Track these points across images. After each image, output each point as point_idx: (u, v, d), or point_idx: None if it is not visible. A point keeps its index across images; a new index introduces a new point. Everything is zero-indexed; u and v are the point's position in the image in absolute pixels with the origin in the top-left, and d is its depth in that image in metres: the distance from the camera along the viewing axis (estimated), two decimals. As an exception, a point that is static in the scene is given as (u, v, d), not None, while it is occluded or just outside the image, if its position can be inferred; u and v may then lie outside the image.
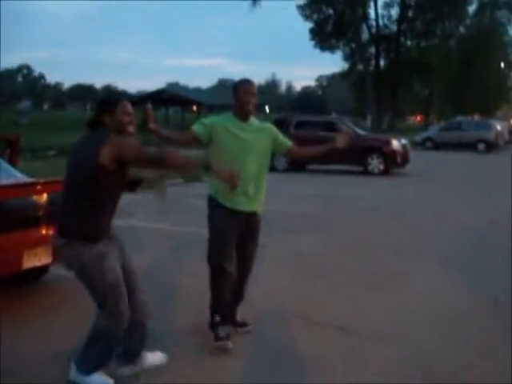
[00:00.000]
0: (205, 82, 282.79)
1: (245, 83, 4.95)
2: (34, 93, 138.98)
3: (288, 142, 5.18)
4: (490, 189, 16.40)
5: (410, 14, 55.02)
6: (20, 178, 6.48)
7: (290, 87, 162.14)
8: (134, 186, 4.34)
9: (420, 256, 8.26)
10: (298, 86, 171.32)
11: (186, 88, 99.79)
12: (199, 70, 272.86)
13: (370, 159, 20.41)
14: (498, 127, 36.86)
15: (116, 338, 4.01)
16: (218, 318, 4.93)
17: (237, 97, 4.90)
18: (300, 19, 56.27)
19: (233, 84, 5.14)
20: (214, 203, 4.90)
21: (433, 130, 40.56)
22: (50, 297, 6.30)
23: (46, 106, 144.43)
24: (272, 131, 5.10)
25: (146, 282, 4.33)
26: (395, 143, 20.61)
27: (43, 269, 6.37)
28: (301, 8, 54.42)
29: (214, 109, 49.16)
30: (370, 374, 4.52)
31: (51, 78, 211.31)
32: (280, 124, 17.27)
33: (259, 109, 47.03)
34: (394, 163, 20.54)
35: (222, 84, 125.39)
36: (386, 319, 5.68)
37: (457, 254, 8.49)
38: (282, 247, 8.55)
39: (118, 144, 3.74)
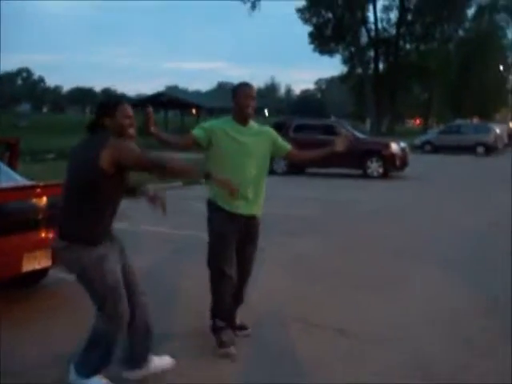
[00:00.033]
0: (204, 85, 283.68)
1: (244, 87, 4.95)
2: (34, 96, 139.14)
3: (287, 146, 5.19)
4: (489, 192, 16.41)
5: (409, 17, 55.05)
6: (19, 181, 6.49)
7: (289, 90, 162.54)
8: (130, 192, 4.33)
9: (419, 259, 8.27)
10: (297, 90, 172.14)
11: (185, 91, 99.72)
12: (198, 74, 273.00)
13: (369, 162, 20.42)
14: (497, 130, 36.86)
15: (115, 341, 4.01)
16: (220, 323, 4.94)
17: (236, 100, 4.90)
18: (299, 23, 56.18)
19: (232, 87, 5.14)
20: (213, 206, 4.91)
21: (432, 134, 40.60)
22: (50, 300, 6.30)
23: (45, 109, 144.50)
24: (271, 135, 5.11)
25: (145, 284, 4.34)
26: (394, 146, 20.62)
27: (43, 272, 6.38)
28: (300, 11, 54.53)
29: (213, 112, 49.14)
30: (369, 374, 4.54)
31: (51, 81, 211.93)
32: (279, 127, 17.29)
33: (258, 112, 47.05)
34: (393, 166, 20.56)
35: (222, 87, 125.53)
36: (386, 322, 5.68)
37: (456, 256, 8.50)
38: (281, 250, 8.56)
39: (118, 148, 3.73)
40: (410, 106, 76.23)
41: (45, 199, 5.95)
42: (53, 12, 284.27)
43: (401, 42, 55.21)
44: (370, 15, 55.09)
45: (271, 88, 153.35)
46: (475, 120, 60.18)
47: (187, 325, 5.52)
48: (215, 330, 4.96)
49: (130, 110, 3.97)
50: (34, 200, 5.98)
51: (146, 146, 3.88)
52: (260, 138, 4.98)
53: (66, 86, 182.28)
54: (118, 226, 4.16)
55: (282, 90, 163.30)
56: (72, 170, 3.91)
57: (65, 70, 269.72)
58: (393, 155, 20.40)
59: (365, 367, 4.69)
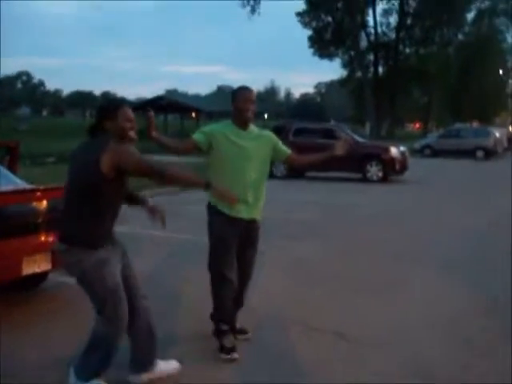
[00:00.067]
0: (204, 88, 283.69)
1: (243, 90, 4.96)
2: (34, 99, 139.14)
3: (287, 150, 5.20)
4: (488, 196, 16.41)
5: (409, 21, 55.13)
6: (20, 184, 6.49)
7: (288, 94, 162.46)
8: (132, 201, 4.33)
9: (419, 262, 8.26)
10: (296, 93, 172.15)
11: (184, 95, 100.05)
12: (198, 77, 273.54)
13: (368, 166, 20.42)
14: (497, 134, 36.85)
15: (115, 344, 4.00)
16: (224, 327, 4.95)
17: (235, 104, 4.91)
18: (299, 27, 56.22)
19: (231, 91, 5.15)
20: (213, 210, 4.91)
21: (431, 138, 40.56)
22: (50, 303, 6.30)
23: (45, 113, 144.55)
24: (271, 139, 5.11)
25: (144, 288, 4.34)
26: (394, 150, 20.62)
27: (42, 275, 6.38)
28: (300, 15, 54.58)
29: (212, 116, 49.24)
30: (369, 375, 4.56)
31: (50, 85, 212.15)
32: (279, 131, 17.32)
33: (258, 116, 47.06)
34: (392, 170, 20.56)
35: (221, 91, 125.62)
36: (385, 325, 5.68)
37: (456, 258, 8.52)
38: (281, 254, 8.56)
39: (118, 152, 3.73)
40: (409, 110, 76.31)
41: (45, 203, 5.96)
42: (53, 16, 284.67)
43: (400, 46, 55.26)
44: (370, 19, 55.29)
45: (271, 92, 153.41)
46: (475, 124, 60.18)
47: (188, 328, 5.52)
48: (218, 333, 4.97)
49: (131, 113, 3.97)
50: (34, 203, 5.99)
51: (146, 149, 3.89)
52: (260, 141, 4.99)
53: (66, 90, 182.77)
54: (118, 229, 4.16)
55: (282, 94, 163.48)
56: (73, 174, 3.91)
57: (65, 73, 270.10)
58: (392, 159, 20.40)
59: (365, 368, 4.71)
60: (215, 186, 4.27)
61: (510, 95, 76.00)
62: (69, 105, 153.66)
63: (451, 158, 33.02)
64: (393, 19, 55.38)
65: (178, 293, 6.63)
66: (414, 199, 16.07)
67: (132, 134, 3.92)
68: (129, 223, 9.75)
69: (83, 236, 3.85)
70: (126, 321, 3.97)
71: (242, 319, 5.27)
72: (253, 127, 5.03)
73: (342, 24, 53.54)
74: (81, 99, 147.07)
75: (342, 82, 61.15)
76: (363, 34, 54.48)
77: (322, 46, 55.59)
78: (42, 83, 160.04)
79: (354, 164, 19.54)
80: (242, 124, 4.92)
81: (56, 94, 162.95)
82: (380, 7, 68.53)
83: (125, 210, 4.17)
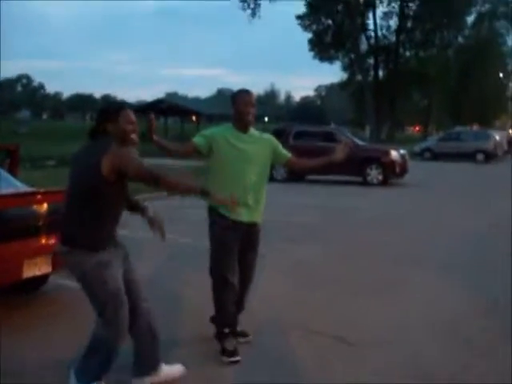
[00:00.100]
0: (204, 91, 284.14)
1: (243, 94, 4.96)
2: (34, 102, 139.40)
3: (287, 154, 5.20)
4: (488, 199, 16.42)
5: (409, 24, 55.13)
6: (20, 187, 6.50)
7: (288, 97, 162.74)
8: (133, 208, 4.33)
9: (419, 265, 8.26)
10: (296, 96, 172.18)
11: (184, 98, 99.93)
12: (198, 80, 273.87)
13: (368, 170, 20.42)
14: (497, 137, 36.89)
15: (115, 348, 4.00)
16: (225, 330, 4.95)
17: (235, 107, 4.91)
18: (299, 30, 56.19)
19: (231, 94, 5.14)
20: (214, 213, 4.90)
21: (431, 141, 40.61)
22: (50, 306, 6.30)
23: (45, 116, 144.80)
24: (272, 142, 5.11)
25: (145, 291, 4.34)
26: (394, 154, 20.63)
27: (43, 278, 6.38)
28: (300, 18, 54.60)
29: (212, 119, 49.23)
30: (369, 374, 4.58)
31: (50, 88, 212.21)
32: (279, 134, 17.27)
33: (258, 119, 47.05)
34: (392, 173, 20.57)
35: (221, 94, 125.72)
36: (386, 329, 5.67)
37: (456, 260, 8.56)
38: (281, 257, 8.56)
39: (119, 155, 3.72)
40: (409, 113, 76.32)
41: (45, 206, 5.96)
42: (53, 19, 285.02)
43: (400, 49, 55.27)
44: (370, 22, 55.24)
45: (271, 95, 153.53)
46: (475, 127, 60.18)
47: (189, 331, 5.52)
48: (219, 336, 4.97)
49: (132, 116, 3.96)
50: (35, 206, 5.99)
51: (146, 152, 3.89)
52: (260, 145, 4.99)
53: (66, 93, 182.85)
54: (118, 232, 4.16)
55: (282, 97, 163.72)
56: (74, 176, 3.91)
57: (65, 76, 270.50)
58: (392, 162, 20.41)
59: (365, 368, 4.73)
60: (213, 193, 4.28)
61: (510, 98, 76.02)
62: (69, 108, 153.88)
63: (451, 161, 33.02)
64: (393, 22, 55.44)
65: (178, 296, 6.62)
66: (414, 202, 16.07)
67: (134, 136, 3.92)
68: (129, 227, 9.77)
69: (84, 238, 3.85)
70: (126, 324, 3.97)
71: (242, 322, 5.27)
72: (253, 130, 5.04)
73: (343, 27, 53.56)
74: (81, 102, 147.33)
75: (342, 85, 61.18)
76: (363, 37, 54.51)
77: (322, 49, 55.62)
78: (42, 86, 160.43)
79: (354, 167, 19.53)
80: (243, 127, 4.92)
81: (56, 97, 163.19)
82: (380, 10, 68.89)
83: (125, 213, 4.17)
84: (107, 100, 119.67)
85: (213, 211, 4.91)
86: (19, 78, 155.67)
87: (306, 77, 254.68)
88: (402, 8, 53.98)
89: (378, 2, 53.65)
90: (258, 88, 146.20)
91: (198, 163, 4.92)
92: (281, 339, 5.39)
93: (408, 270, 7.98)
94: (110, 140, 3.83)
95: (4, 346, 4.95)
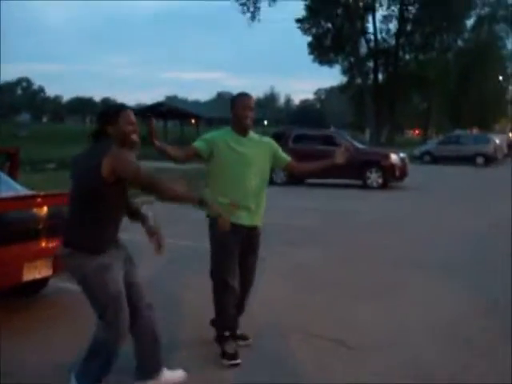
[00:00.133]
0: (203, 95, 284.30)
1: (242, 97, 4.97)
2: (34, 106, 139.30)
3: (287, 157, 5.20)
4: (488, 202, 16.42)
5: (409, 27, 55.10)
6: (20, 190, 6.50)
7: (288, 100, 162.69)
8: (133, 215, 4.32)
9: (419, 268, 8.27)
10: (296, 100, 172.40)
11: (184, 101, 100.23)
12: (198, 84, 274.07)
13: (368, 173, 20.42)
14: (497, 141, 36.88)
15: (115, 351, 4.00)
16: (225, 333, 4.95)
17: (234, 111, 4.92)
18: (299, 33, 56.17)
19: (231, 98, 5.15)
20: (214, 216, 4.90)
21: (431, 144, 40.57)
22: (50, 309, 6.30)
23: (45, 119, 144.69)
24: (271, 146, 5.12)
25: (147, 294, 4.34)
26: (394, 157, 20.63)
27: (43, 281, 6.39)
28: (299, 22, 54.59)
29: (212, 122, 49.29)
30: (369, 375, 4.59)
31: (50, 91, 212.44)
32: (278, 137, 17.29)
33: (258, 122, 47.09)
34: (392, 177, 20.57)
35: (221, 97, 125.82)
36: (386, 332, 5.68)
37: (456, 261, 8.57)
38: (281, 260, 8.56)
39: (118, 158, 3.73)
40: (409, 117, 76.29)
41: (45, 209, 5.97)
42: (53, 22, 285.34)
43: (400, 53, 55.20)
44: (370, 26, 55.16)
45: (270, 98, 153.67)
46: (474, 130, 60.25)
47: (189, 334, 5.53)
48: (220, 340, 4.98)
49: (132, 116, 3.96)
50: (35, 210, 6.00)
51: (147, 156, 3.89)
52: (260, 148, 5.00)
53: (66, 96, 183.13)
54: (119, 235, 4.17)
55: (282, 100, 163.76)
56: (75, 179, 3.92)
57: (65, 79, 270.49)
58: (392, 166, 20.41)
59: (365, 369, 4.74)
60: (211, 203, 4.28)
61: (509, 101, 76.06)
62: (69, 111, 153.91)
63: (451, 165, 33.04)
64: (392, 25, 55.35)
65: (178, 299, 6.63)
66: (413, 206, 16.07)
67: (134, 137, 3.92)
68: (129, 231, 9.77)
69: (85, 241, 3.86)
70: (126, 327, 3.97)
71: (242, 325, 5.27)
72: (253, 134, 5.05)
73: (342, 30, 53.54)
74: (81, 105, 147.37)
75: (341, 89, 61.09)
76: (363, 41, 54.45)
77: (321, 52, 55.57)
78: (42, 89, 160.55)
79: (354, 170, 19.51)
80: (242, 131, 4.93)
81: (56, 100, 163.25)
82: (380, 13, 68.49)
83: (125, 217, 4.18)
84: (107, 103, 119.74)
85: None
86: (19, 81, 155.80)
87: (306, 80, 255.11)
88: (401, 11, 53.96)
89: (377, 5, 53.67)
90: (257, 91, 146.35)
91: (199, 166, 4.94)
92: (281, 342, 5.39)
93: (408, 273, 7.98)
94: (110, 142, 3.84)
95: (4, 349, 4.95)
